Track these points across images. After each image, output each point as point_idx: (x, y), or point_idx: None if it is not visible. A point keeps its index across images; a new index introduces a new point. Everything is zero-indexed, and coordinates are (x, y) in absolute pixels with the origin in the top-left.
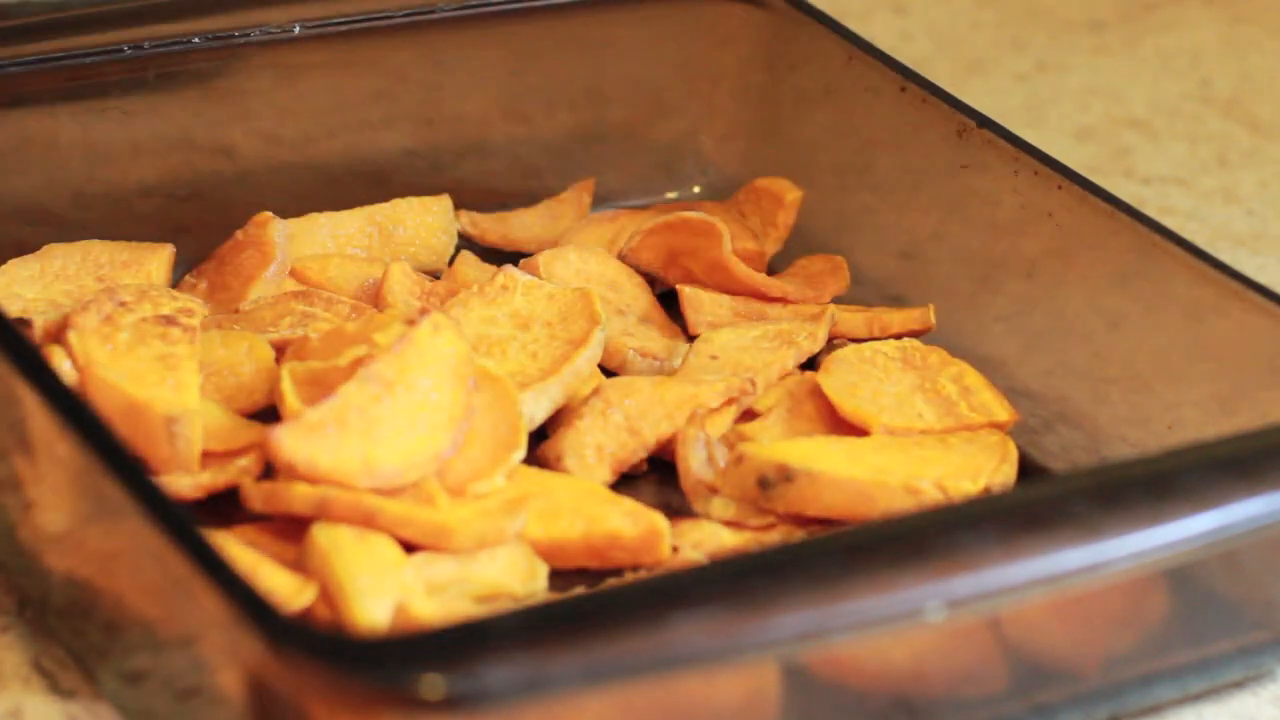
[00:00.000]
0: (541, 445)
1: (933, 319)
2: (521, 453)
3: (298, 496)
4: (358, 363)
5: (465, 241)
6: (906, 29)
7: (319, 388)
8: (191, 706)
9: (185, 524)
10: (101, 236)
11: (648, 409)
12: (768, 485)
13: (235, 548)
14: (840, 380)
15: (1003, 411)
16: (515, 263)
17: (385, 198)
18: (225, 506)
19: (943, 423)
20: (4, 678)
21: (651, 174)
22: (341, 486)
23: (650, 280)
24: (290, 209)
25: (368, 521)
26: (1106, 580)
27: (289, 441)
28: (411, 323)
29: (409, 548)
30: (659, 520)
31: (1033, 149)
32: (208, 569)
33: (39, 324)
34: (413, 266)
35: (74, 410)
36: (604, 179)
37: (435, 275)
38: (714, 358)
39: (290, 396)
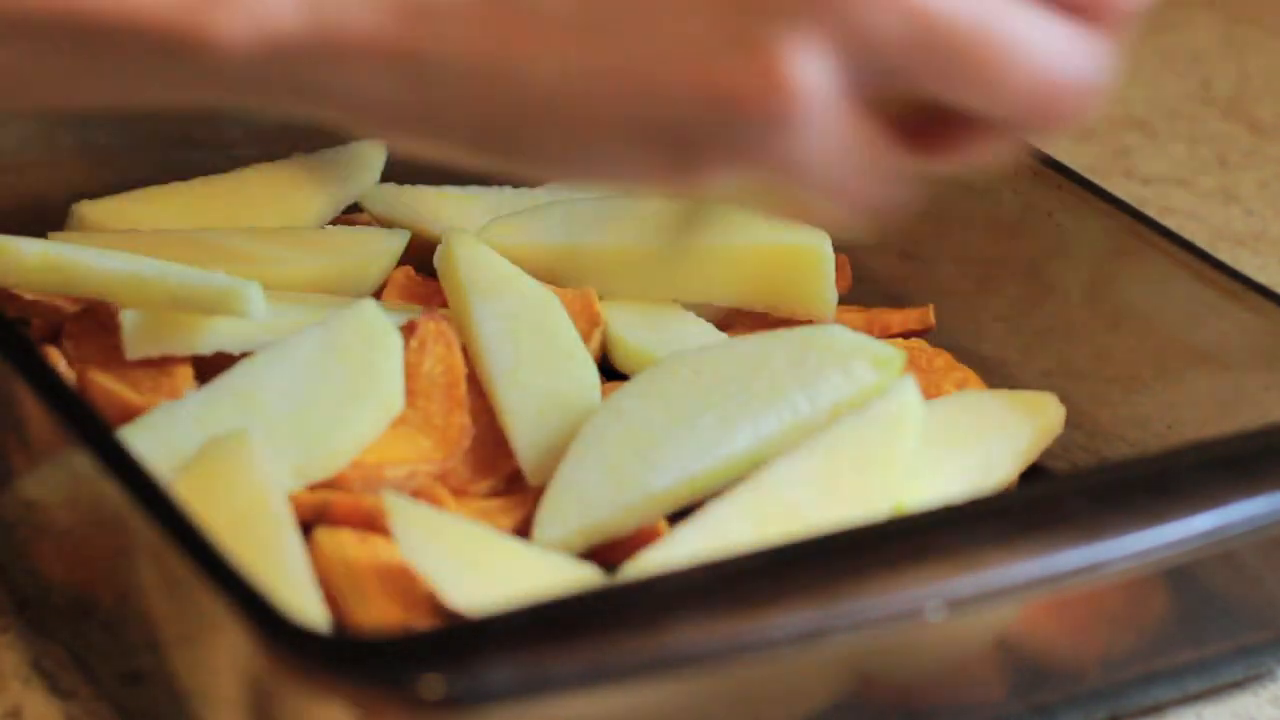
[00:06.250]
0: None
1: (933, 319)
2: None
3: (297, 503)
4: None
5: None
6: None
7: None
8: (191, 706)
9: (185, 524)
10: None
11: None
12: None
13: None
14: None
15: None
16: None
17: None
18: None
19: None
20: (4, 678)
21: None
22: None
23: None
24: None
25: (369, 524)
26: (1106, 580)
27: None
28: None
29: None
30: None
31: (1033, 149)
32: (208, 569)
33: (38, 324)
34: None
35: (74, 410)
36: None
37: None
38: None
39: None
